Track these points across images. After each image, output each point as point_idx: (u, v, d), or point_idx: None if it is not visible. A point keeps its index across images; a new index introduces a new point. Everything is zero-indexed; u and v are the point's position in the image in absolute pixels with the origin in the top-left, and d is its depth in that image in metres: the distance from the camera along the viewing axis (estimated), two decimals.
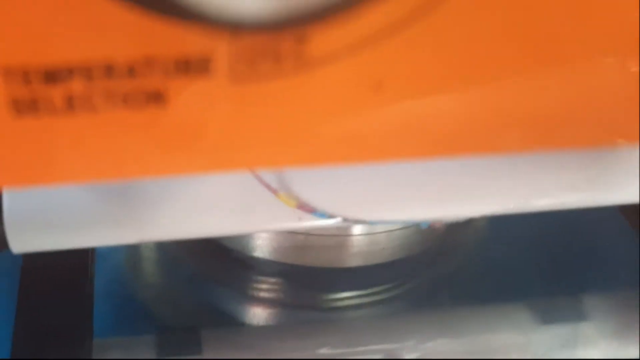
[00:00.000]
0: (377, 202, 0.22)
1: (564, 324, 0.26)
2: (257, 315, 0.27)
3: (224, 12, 0.10)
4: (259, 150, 0.14)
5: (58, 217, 0.22)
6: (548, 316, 0.26)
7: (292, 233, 0.26)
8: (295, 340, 0.26)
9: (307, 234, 0.26)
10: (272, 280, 0.28)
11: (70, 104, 0.13)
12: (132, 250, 0.28)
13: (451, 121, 0.15)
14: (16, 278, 0.26)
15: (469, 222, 0.29)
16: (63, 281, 0.26)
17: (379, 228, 0.26)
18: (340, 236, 0.26)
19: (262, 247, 0.27)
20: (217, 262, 0.28)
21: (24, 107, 0.13)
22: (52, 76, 0.13)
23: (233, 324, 0.27)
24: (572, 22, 0.13)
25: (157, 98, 0.13)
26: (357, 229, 0.26)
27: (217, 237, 0.28)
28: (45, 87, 0.13)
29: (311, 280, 0.27)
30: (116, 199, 0.22)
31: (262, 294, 0.28)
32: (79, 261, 0.27)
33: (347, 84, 0.13)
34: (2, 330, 0.25)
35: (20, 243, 0.22)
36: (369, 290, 0.27)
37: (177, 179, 0.22)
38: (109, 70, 0.13)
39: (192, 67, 0.13)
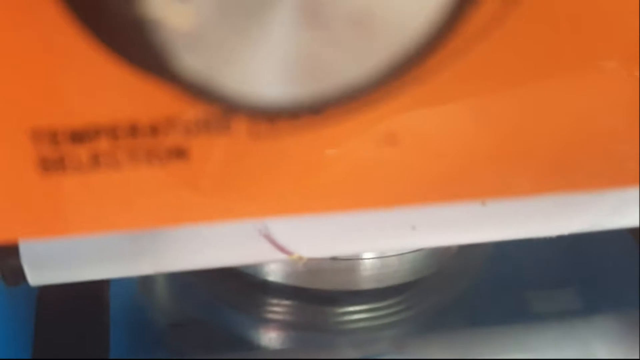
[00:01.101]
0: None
1: (575, 345, 0.26)
2: (271, 338, 0.28)
3: (241, 98, 0.11)
4: (275, 201, 0.14)
5: (74, 250, 0.22)
6: (560, 337, 0.26)
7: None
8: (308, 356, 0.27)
9: (320, 258, 0.26)
10: (286, 303, 0.28)
11: (96, 161, 0.13)
12: (148, 277, 0.29)
13: (462, 167, 0.15)
14: (32, 308, 0.27)
15: (480, 245, 0.29)
16: (79, 310, 0.27)
17: (390, 252, 0.26)
18: (352, 260, 0.27)
19: (275, 271, 0.27)
20: (230, 286, 0.28)
21: (51, 165, 0.13)
22: (78, 136, 0.13)
23: (247, 348, 0.27)
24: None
25: (179, 155, 0.13)
26: (369, 253, 0.26)
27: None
28: (72, 146, 0.13)
29: (323, 302, 0.28)
30: (131, 235, 0.22)
31: (276, 317, 0.28)
32: (94, 291, 0.27)
33: (361, 137, 0.14)
34: (21, 353, 0.25)
35: (38, 276, 0.23)
36: (382, 312, 0.28)
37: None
38: (133, 129, 0.13)
39: (213, 125, 0.13)
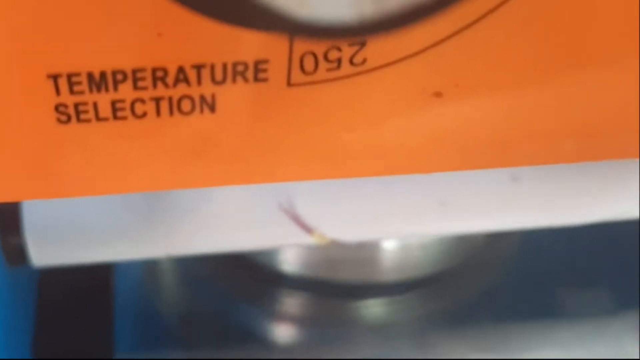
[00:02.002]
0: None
1: (606, 340, 0.25)
2: (285, 333, 0.26)
3: (304, 17, 0.09)
4: (307, 160, 0.13)
5: (81, 230, 0.21)
6: (589, 333, 0.25)
7: (325, 248, 0.25)
8: (325, 354, 0.25)
9: (340, 248, 0.25)
10: (301, 296, 0.27)
11: (116, 111, 0.12)
12: (154, 267, 0.27)
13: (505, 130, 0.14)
14: (33, 300, 0.25)
15: (508, 235, 0.28)
16: (82, 297, 0.25)
17: (414, 241, 0.25)
18: (373, 249, 0.25)
19: (290, 261, 0.26)
20: (242, 277, 0.27)
21: (70, 114, 0.12)
22: (99, 83, 0.12)
23: (260, 344, 0.26)
24: None
25: (207, 106, 0.12)
26: (390, 241, 0.25)
27: (244, 252, 0.27)
28: (93, 94, 0.12)
29: (341, 296, 0.26)
30: (142, 213, 0.21)
31: (291, 311, 0.27)
32: (98, 276, 0.26)
33: (405, 90, 0.12)
34: (20, 347, 0.24)
35: (42, 256, 0.21)
36: (403, 306, 0.26)
37: (204, 193, 0.21)
38: (158, 77, 0.12)
39: (244, 74, 0.12)
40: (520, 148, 0.14)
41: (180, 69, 0.12)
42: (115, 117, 0.12)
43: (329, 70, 0.12)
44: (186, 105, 0.12)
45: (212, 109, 0.12)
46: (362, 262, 0.26)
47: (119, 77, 0.12)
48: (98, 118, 0.12)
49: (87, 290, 0.26)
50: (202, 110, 0.12)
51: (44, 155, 0.13)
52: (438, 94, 0.12)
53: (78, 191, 0.13)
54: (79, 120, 0.12)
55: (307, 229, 0.21)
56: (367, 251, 0.25)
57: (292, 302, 0.27)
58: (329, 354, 0.25)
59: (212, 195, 0.21)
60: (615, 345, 0.24)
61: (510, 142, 0.14)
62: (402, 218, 0.21)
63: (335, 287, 0.26)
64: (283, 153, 0.13)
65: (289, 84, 0.12)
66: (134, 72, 0.12)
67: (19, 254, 0.21)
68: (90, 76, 0.12)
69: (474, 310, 0.26)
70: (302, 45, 0.11)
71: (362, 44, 0.11)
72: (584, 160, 0.15)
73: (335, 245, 0.25)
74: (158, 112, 0.12)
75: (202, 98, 0.12)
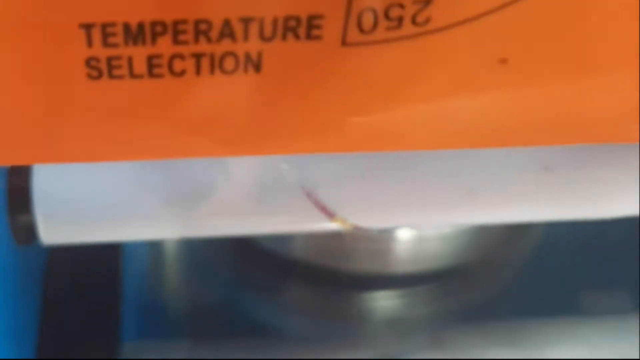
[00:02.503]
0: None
1: (625, 338, 0.24)
2: (293, 322, 0.26)
3: None
4: (363, 129, 0.12)
5: (91, 209, 0.20)
6: (610, 329, 0.24)
7: (339, 235, 0.24)
8: (336, 349, 0.24)
9: (355, 236, 0.24)
10: (313, 286, 0.26)
11: (152, 67, 0.11)
12: (163, 253, 0.26)
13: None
14: (40, 276, 0.24)
15: (527, 230, 0.27)
16: (89, 286, 0.24)
17: (431, 232, 0.24)
18: (389, 240, 0.24)
19: (304, 250, 0.25)
20: (252, 265, 0.26)
21: (101, 68, 0.11)
22: (136, 34, 0.11)
23: (267, 332, 0.25)
24: None
25: (252, 64, 0.11)
26: (405, 230, 0.24)
27: (256, 238, 0.26)
28: (127, 47, 0.11)
29: (353, 285, 0.25)
30: (157, 193, 0.20)
31: (300, 300, 0.26)
32: (107, 265, 0.25)
33: (469, 56, 0.12)
34: (27, 331, 0.23)
35: (51, 234, 0.21)
36: (417, 299, 0.25)
37: (224, 173, 0.20)
38: (201, 30, 0.11)
39: (294, 30, 0.11)
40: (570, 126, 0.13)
41: (226, 22, 0.11)
42: (150, 74, 0.11)
43: (388, 29, 0.11)
44: (230, 63, 0.11)
45: (258, 68, 0.11)
46: (376, 252, 0.25)
47: (158, 29, 0.11)
48: (132, 75, 0.11)
49: (94, 280, 0.25)
50: (246, 70, 0.11)
51: (72, 113, 0.12)
52: (504, 60, 0.11)
53: (107, 155, 0.12)
54: (110, 76, 0.11)
55: (329, 214, 0.20)
56: (381, 242, 0.25)
57: (303, 293, 0.26)
58: (339, 347, 0.24)
59: (231, 177, 0.20)
60: (632, 343, 0.24)
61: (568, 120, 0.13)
62: (428, 206, 0.20)
63: (348, 278, 0.26)
64: (334, 120, 0.12)
65: (344, 43, 0.11)
66: (175, 24, 0.11)
67: (28, 233, 0.21)
68: (126, 27, 0.11)
69: (490, 305, 0.25)
70: (361, 1, 0.10)
71: (427, 1, 0.10)
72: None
73: (354, 233, 0.24)
74: (198, 70, 0.11)
75: (248, 56, 0.11)
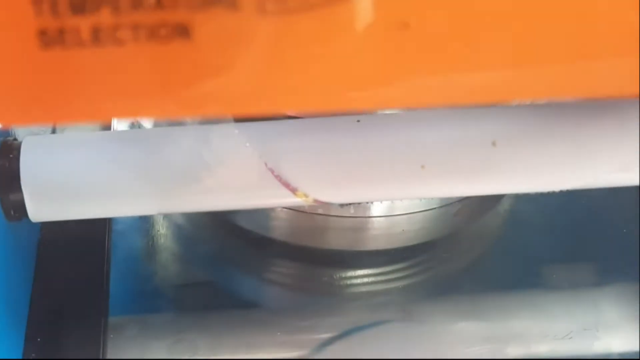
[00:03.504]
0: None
1: (586, 308, 0.25)
2: (273, 297, 0.27)
3: None
4: (283, 90, 0.14)
5: (75, 187, 0.22)
6: (570, 301, 0.26)
7: (311, 214, 0.26)
8: (308, 320, 0.26)
9: (327, 214, 0.26)
10: (291, 264, 0.27)
11: (97, 36, 0.13)
12: (148, 231, 0.28)
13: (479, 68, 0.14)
14: (33, 253, 0.26)
15: (492, 208, 0.28)
16: (80, 257, 0.26)
17: (399, 210, 0.26)
18: (359, 217, 0.26)
19: (280, 228, 0.27)
20: (234, 243, 0.28)
21: (51, 38, 0.13)
22: (80, 7, 0.13)
23: (249, 306, 0.27)
24: None
25: (182, 32, 0.13)
26: (376, 210, 0.26)
27: (235, 218, 0.27)
28: (73, 18, 0.13)
29: (329, 262, 0.27)
30: (134, 171, 0.22)
31: (279, 276, 0.27)
32: (96, 237, 0.27)
33: (374, 21, 0.13)
34: (18, 305, 0.25)
35: (39, 212, 0.22)
36: (389, 277, 0.27)
37: (195, 152, 0.22)
38: (137, 2, 0.13)
39: (219, 0, 0.13)
40: (508, 81, 0.15)
41: None
42: (94, 42, 0.13)
43: None
44: (163, 31, 0.13)
45: (189, 35, 0.13)
46: (349, 230, 0.26)
47: (98, 2, 0.13)
48: (79, 43, 0.13)
49: (84, 256, 0.26)
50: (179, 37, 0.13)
51: (28, 81, 0.13)
52: (407, 26, 0.13)
53: (63, 116, 0.14)
54: (61, 45, 0.13)
55: (291, 189, 0.22)
56: (355, 220, 0.26)
57: (281, 270, 0.27)
58: (313, 318, 0.26)
59: (201, 154, 0.22)
60: (593, 313, 0.25)
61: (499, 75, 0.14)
62: (383, 181, 0.22)
63: (323, 256, 0.27)
64: (256, 84, 0.14)
65: (260, 10, 0.13)
66: None
67: (18, 210, 0.22)
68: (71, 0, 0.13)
69: (457, 280, 0.27)
70: None
71: None
72: (583, 96, 0.15)
73: (323, 210, 0.26)
74: (135, 37, 0.13)
75: (179, 24, 0.13)
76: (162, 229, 0.28)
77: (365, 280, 0.27)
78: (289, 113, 0.21)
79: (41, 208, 0.22)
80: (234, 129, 0.22)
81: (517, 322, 0.25)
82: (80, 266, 0.26)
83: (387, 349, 0.25)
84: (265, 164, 0.21)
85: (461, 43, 0.14)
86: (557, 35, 0.14)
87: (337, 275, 0.27)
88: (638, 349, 0.24)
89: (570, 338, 0.24)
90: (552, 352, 0.24)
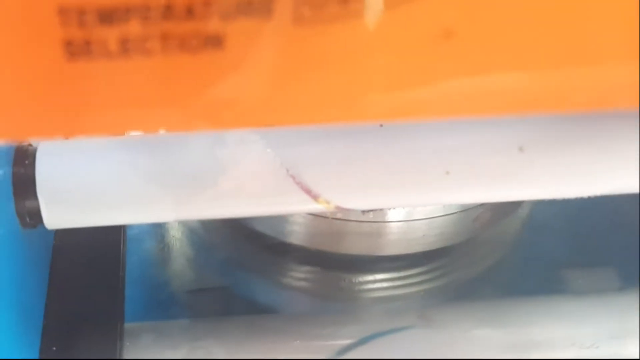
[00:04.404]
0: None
1: (611, 316, 0.25)
2: (290, 302, 0.27)
3: None
4: (318, 103, 0.13)
5: (90, 193, 0.22)
6: (594, 308, 0.25)
7: (330, 219, 0.25)
8: (327, 327, 0.26)
9: (345, 219, 0.25)
10: (307, 268, 0.27)
11: (125, 46, 0.13)
12: (163, 236, 0.28)
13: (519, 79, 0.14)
14: (47, 259, 0.26)
15: (512, 212, 0.28)
16: (94, 262, 0.26)
17: (419, 215, 0.25)
18: (378, 222, 0.25)
19: (297, 233, 0.26)
20: (250, 249, 0.28)
21: (78, 49, 0.12)
22: (108, 17, 0.12)
23: (265, 312, 0.26)
24: None
25: (215, 42, 0.13)
26: (396, 215, 0.25)
27: (251, 223, 0.27)
28: (101, 28, 0.12)
29: (347, 267, 0.27)
30: (150, 177, 0.22)
31: (296, 281, 0.27)
32: (110, 242, 0.26)
33: (416, 30, 0.13)
34: (33, 311, 0.24)
35: (54, 219, 0.22)
36: (408, 282, 0.27)
37: (212, 157, 0.21)
38: (168, 11, 0.12)
39: (254, 8, 0.12)
40: (521, 95, 0.14)
41: (188, 4, 0.12)
42: (122, 53, 0.13)
43: (340, 2, 0.12)
44: (194, 42, 0.12)
45: (222, 45, 0.12)
46: (368, 234, 0.26)
47: (127, 10, 0.12)
48: (106, 54, 0.13)
49: (98, 262, 0.26)
50: (210, 47, 0.12)
51: (53, 92, 0.13)
52: (449, 33, 0.12)
53: (89, 129, 0.14)
54: (87, 56, 0.13)
55: (313, 195, 0.21)
56: (372, 225, 0.26)
57: (298, 275, 0.27)
58: (330, 324, 0.25)
59: (219, 160, 0.21)
60: (617, 321, 0.24)
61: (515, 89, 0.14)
62: (406, 187, 0.21)
63: (340, 261, 0.27)
64: (291, 95, 0.13)
65: (296, 19, 0.12)
66: (142, 7, 0.12)
67: (33, 217, 0.22)
68: (98, 10, 0.12)
69: (477, 285, 0.26)
70: None
71: None
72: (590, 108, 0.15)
73: (342, 215, 0.25)
74: (165, 47, 0.12)
75: (210, 34, 0.12)
76: (177, 234, 0.28)
77: (384, 285, 0.27)
78: (321, 123, 0.21)
79: (57, 215, 0.22)
80: (254, 135, 0.21)
81: (539, 328, 0.25)
82: (95, 271, 0.26)
83: (406, 356, 0.25)
84: (287, 170, 0.21)
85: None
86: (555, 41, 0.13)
87: (356, 280, 0.27)
88: None
89: (597, 347, 0.23)
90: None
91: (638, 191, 0.22)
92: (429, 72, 0.13)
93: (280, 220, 0.26)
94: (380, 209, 0.24)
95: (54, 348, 0.24)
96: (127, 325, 0.25)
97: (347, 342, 0.25)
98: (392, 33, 0.13)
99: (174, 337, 0.25)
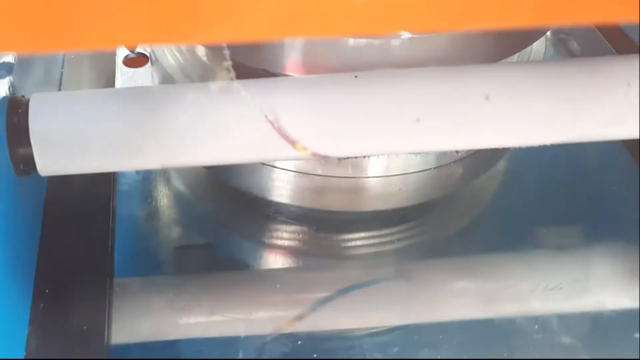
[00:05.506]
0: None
1: (577, 264, 0.26)
2: (271, 258, 0.28)
3: None
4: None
5: (84, 141, 0.23)
6: (562, 258, 0.26)
7: (310, 175, 0.27)
8: (305, 279, 0.27)
9: (324, 175, 0.27)
10: (287, 223, 0.28)
11: None
12: (150, 193, 0.29)
13: None
14: (39, 213, 0.27)
15: (487, 170, 0.29)
16: (86, 215, 0.27)
17: (395, 170, 0.27)
18: (356, 178, 0.27)
19: (278, 189, 0.28)
20: (232, 205, 0.29)
21: None
22: None
23: (248, 268, 0.27)
24: None
25: None
26: (373, 171, 0.27)
27: (234, 180, 0.28)
28: None
29: (327, 223, 0.28)
30: (136, 125, 0.23)
31: (277, 238, 0.28)
32: (101, 195, 0.27)
33: None
34: (25, 265, 0.25)
35: (47, 165, 0.23)
36: (385, 237, 0.28)
37: (195, 107, 0.22)
38: None
39: None
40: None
41: None
42: None
43: None
44: None
45: None
46: (346, 190, 0.27)
47: None
48: None
49: (89, 219, 0.27)
50: None
51: (43, 5, 0.14)
52: None
53: (67, 44, 0.15)
54: None
55: (291, 141, 0.22)
56: (352, 181, 0.27)
57: (280, 233, 0.28)
58: (312, 279, 0.26)
59: (202, 109, 0.23)
60: (584, 268, 0.26)
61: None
62: (379, 135, 0.23)
63: (322, 219, 0.28)
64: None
65: None
66: None
67: (27, 164, 0.23)
68: None
69: (454, 240, 0.28)
70: None
71: None
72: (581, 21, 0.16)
73: (321, 171, 0.26)
74: None
75: None
76: (163, 192, 0.29)
77: (363, 242, 0.28)
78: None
79: (49, 162, 0.23)
80: (235, 84, 0.22)
81: (510, 279, 0.26)
82: (85, 228, 0.27)
83: (383, 307, 0.26)
84: (266, 117, 0.22)
85: None
86: None
87: (335, 237, 0.28)
88: (627, 301, 0.25)
89: (561, 288, 0.25)
90: (544, 303, 0.25)
91: (600, 139, 0.24)
92: None
93: (262, 177, 0.28)
94: (357, 160, 0.26)
95: (41, 305, 0.25)
96: (115, 280, 0.26)
97: (326, 294, 0.26)
98: None
99: (159, 285, 0.26)
